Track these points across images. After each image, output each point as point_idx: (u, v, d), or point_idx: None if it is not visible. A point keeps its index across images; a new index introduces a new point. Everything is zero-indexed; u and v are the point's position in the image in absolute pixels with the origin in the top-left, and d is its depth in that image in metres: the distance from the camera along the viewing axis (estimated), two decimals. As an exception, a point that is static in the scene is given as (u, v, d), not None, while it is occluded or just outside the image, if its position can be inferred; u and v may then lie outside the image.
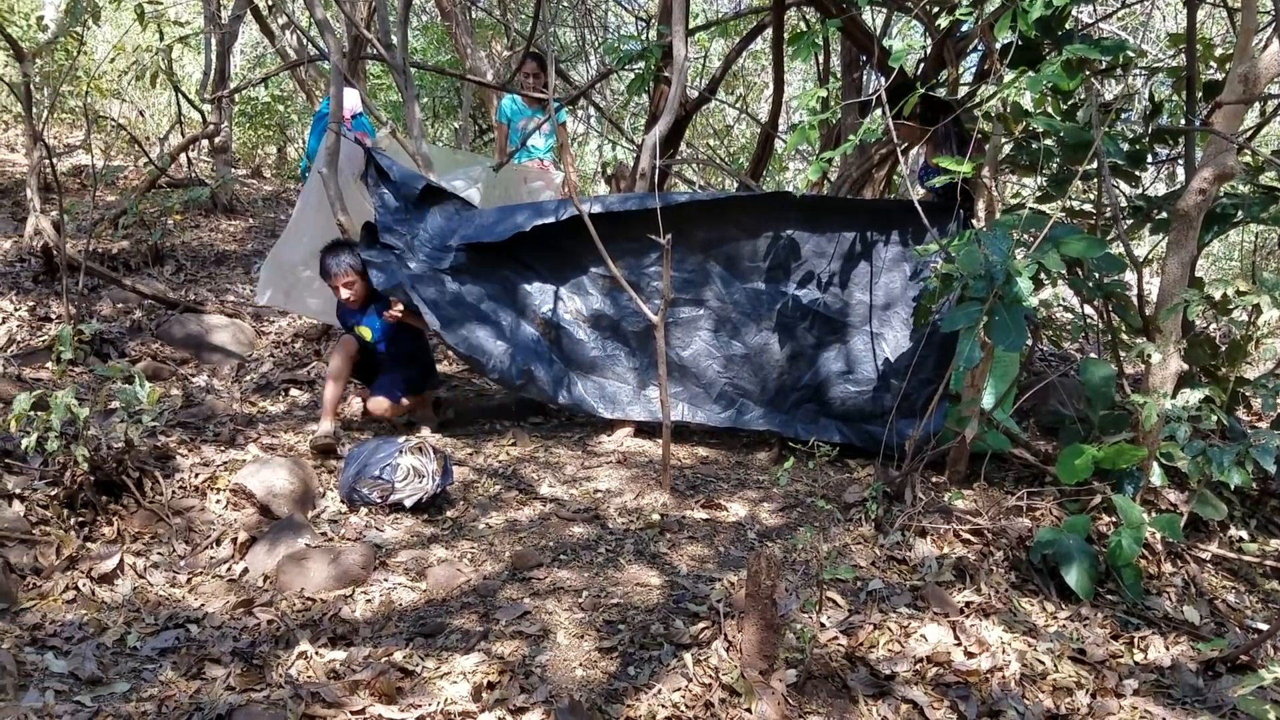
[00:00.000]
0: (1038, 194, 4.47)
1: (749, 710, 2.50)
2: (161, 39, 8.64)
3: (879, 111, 4.28)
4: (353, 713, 2.43)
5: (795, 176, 11.90)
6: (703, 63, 10.63)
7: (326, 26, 5.66)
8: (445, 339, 4.75)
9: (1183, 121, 4.51)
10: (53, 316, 5.92)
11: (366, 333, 4.85)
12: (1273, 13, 3.38)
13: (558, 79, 9.34)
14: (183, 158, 9.48)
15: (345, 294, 4.76)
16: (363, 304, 4.85)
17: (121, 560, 3.32)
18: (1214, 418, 3.36)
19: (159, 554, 3.48)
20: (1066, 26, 4.21)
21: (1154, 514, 3.52)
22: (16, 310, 5.90)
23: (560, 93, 9.14)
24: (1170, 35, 5.44)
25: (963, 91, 4.87)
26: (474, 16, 11.22)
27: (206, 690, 2.60)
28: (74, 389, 3.60)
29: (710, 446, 4.95)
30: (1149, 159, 4.51)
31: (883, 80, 4.37)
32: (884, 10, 5.80)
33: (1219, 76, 4.52)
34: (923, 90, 4.09)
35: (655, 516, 3.87)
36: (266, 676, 2.66)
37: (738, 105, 10.72)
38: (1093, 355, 5.18)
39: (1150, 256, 5.50)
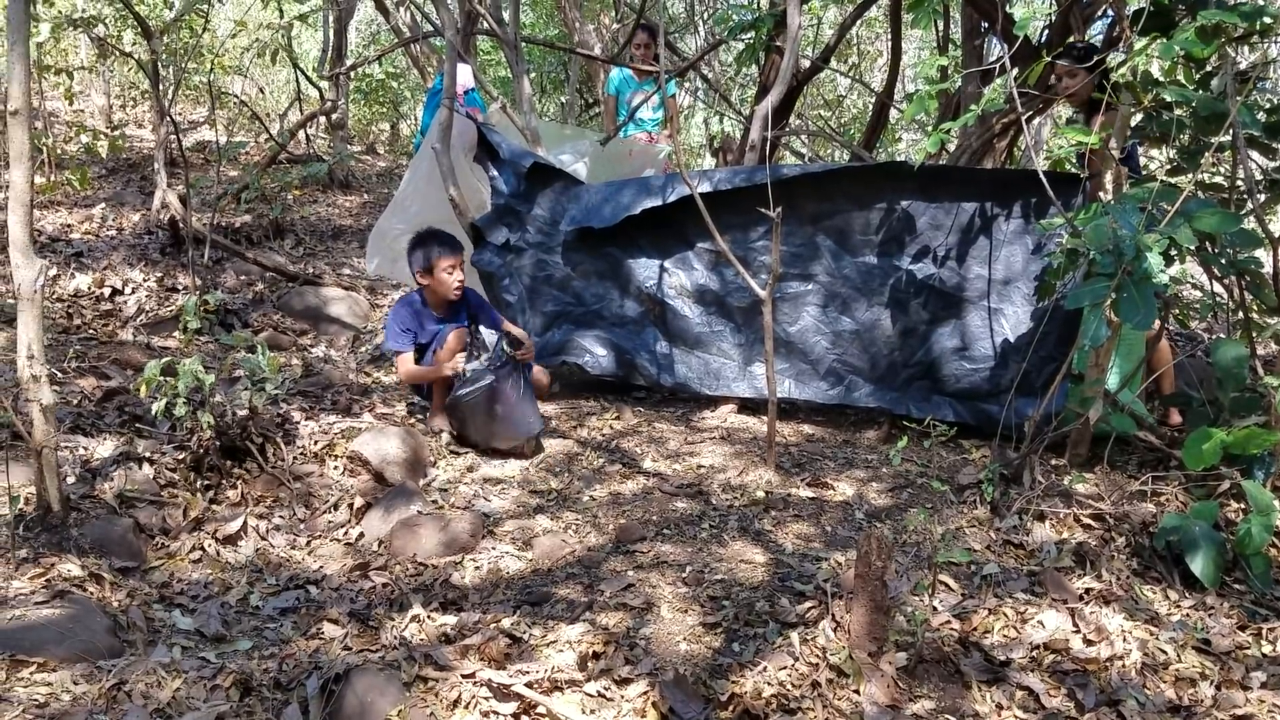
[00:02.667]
0: (1168, 166, 4.26)
1: (857, 691, 2.47)
2: (281, 16, 8.89)
3: (1000, 80, 4.13)
4: (463, 675, 2.48)
5: (909, 148, 11.61)
6: (814, 31, 10.43)
7: (441, 3, 5.73)
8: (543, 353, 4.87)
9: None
10: (179, 287, 6.18)
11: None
12: None
13: (666, 50, 9.30)
14: (301, 134, 9.76)
15: (457, 279, 4.43)
16: (452, 309, 4.59)
17: (245, 523, 3.45)
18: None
19: (280, 517, 3.61)
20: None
21: (1288, 502, 3.34)
22: (145, 281, 6.18)
23: (669, 65, 9.09)
24: (1318, -4, 5.09)
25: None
26: (583, -9, 11.25)
27: (325, 649, 2.70)
28: (200, 357, 3.76)
29: (816, 424, 4.89)
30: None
31: (1005, 47, 4.22)
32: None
33: (1372, 40, 4.22)
34: (1048, 59, 3.92)
35: (760, 494, 3.84)
36: (381, 637, 2.74)
37: (851, 75, 10.48)
38: (1223, 335, 4.94)
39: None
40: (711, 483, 3.98)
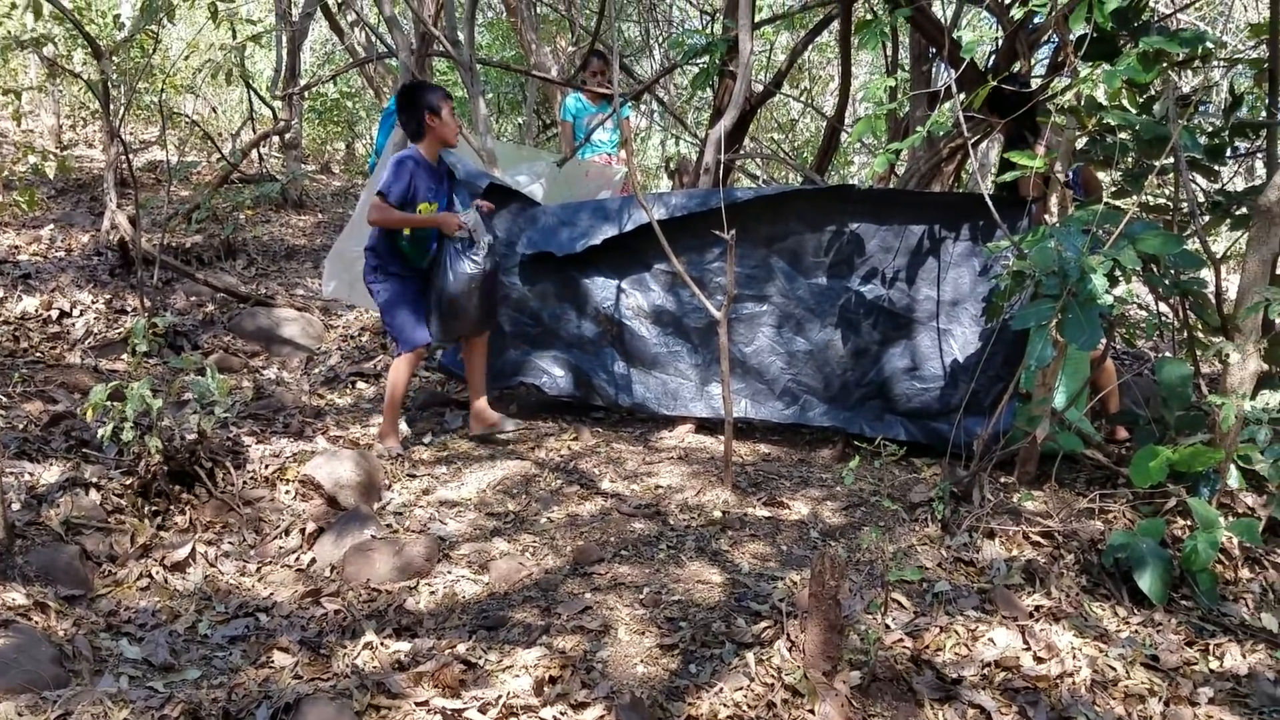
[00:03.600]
0: (1113, 189, 4.36)
1: (812, 711, 2.48)
2: (234, 37, 8.82)
3: (948, 104, 4.21)
4: (417, 703, 2.46)
5: (860, 170, 11.76)
6: (768, 56, 10.56)
7: (395, 24, 5.73)
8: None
9: (1264, 115, 4.36)
10: (128, 309, 6.09)
11: (430, 209, 4.52)
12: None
13: (622, 74, 9.35)
14: (254, 154, 9.67)
15: (451, 120, 4.50)
16: (435, 170, 4.60)
17: (194, 549, 3.40)
18: (1296, 420, 3.25)
19: (230, 543, 3.57)
20: (1143, 18, 4.10)
21: (1231, 518, 3.41)
22: (94, 303, 6.08)
23: (624, 88, 9.15)
24: (1251, 25, 5.27)
25: (1035, 85, 4.75)
26: (539, 12, 11.29)
27: (275, 678, 2.66)
28: (148, 381, 3.71)
29: (772, 443, 4.92)
30: (1228, 153, 4.37)
31: (952, 72, 4.30)
32: (954, 1, 5.69)
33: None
34: (994, 82, 4.00)
35: (717, 513, 3.85)
36: (333, 666, 2.71)
37: (803, 99, 10.62)
38: (1168, 354, 5.04)
39: (1229, 253, 5.33)
40: (669, 503, 3.99)
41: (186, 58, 9.58)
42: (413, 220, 4.44)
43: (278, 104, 9.87)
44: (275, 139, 10.13)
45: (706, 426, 5.02)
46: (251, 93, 9.86)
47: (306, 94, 10.65)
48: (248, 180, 9.24)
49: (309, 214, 9.17)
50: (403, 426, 4.66)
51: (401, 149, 5.13)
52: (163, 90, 8.18)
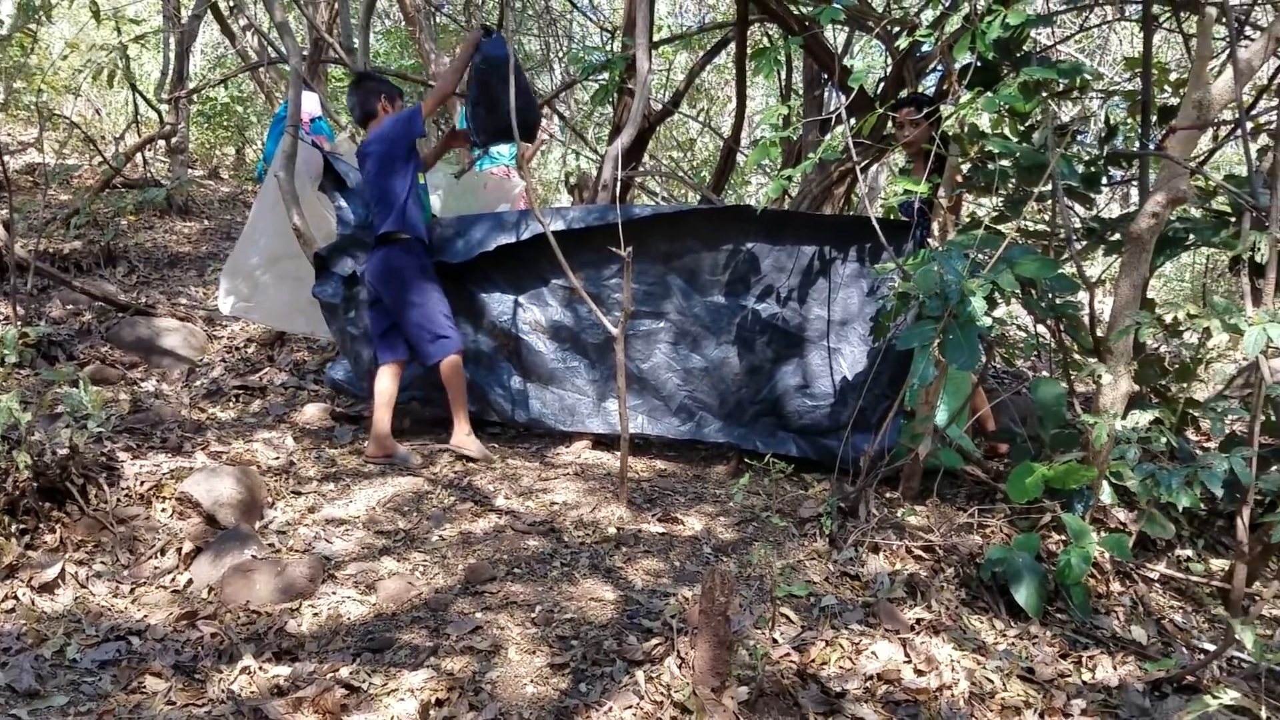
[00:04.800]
0: (994, 214, 4.51)
1: (699, 728, 2.49)
2: (120, 36, 8.50)
3: (839, 129, 4.31)
4: (296, 730, 2.39)
5: (758, 191, 11.95)
6: (667, 75, 10.66)
7: (286, 29, 5.60)
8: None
9: (1137, 145, 4.58)
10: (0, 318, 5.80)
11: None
12: (1227, 40, 3.45)
13: (522, 87, 9.31)
14: (138, 158, 9.34)
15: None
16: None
17: (63, 569, 3.24)
18: (1163, 439, 3.40)
19: (102, 563, 3.41)
20: (1025, 49, 4.27)
21: (1103, 533, 3.56)
22: (-39, 311, 5.77)
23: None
24: (1126, 59, 5.54)
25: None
26: (438, 21, 11.18)
27: (146, 705, 2.55)
28: (18, 393, 3.53)
29: (668, 459, 4.94)
30: (1104, 181, 4.57)
31: (843, 98, 4.41)
32: (846, 29, 5.84)
33: (1174, 101, 4.60)
34: (882, 110, 4.11)
35: (611, 530, 3.85)
36: (208, 691, 2.61)
37: (701, 119, 10.76)
38: (1045, 374, 5.24)
39: (1104, 277, 5.58)
40: (564, 520, 3.97)
41: (65, 57, 9.19)
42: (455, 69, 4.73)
43: (164, 107, 9.54)
44: (161, 143, 9.79)
45: (604, 442, 5.02)
46: (137, 95, 9.51)
47: (195, 98, 10.33)
48: (131, 185, 8.90)
49: (195, 220, 8.87)
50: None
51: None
52: (40, 90, 7.84)
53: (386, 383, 4.61)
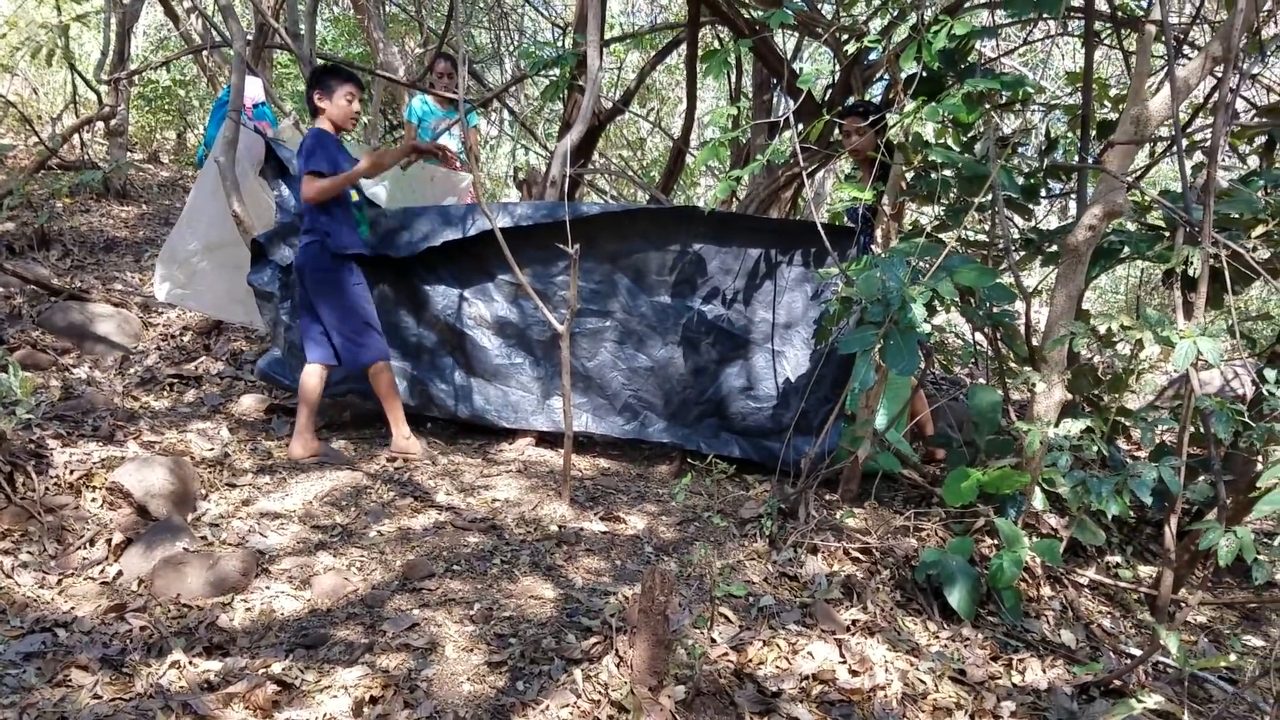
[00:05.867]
0: (935, 222, 4.58)
1: (635, 727, 2.49)
2: (59, 15, 8.28)
3: (787, 133, 4.35)
4: (226, 726, 2.34)
5: (707, 192, 12.01)
6: (618, 73, 10.66)
7: (230, 13, 5.51)
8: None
9: (1076, 159, 4.68)
10: (-77, 299, 5.61)
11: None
12: (1164, 58, 3.54)
13: (472, 80, 9.26)
14: (76, 139, 9.10)
15: (358, 110, 4.58)
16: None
17: (-14, 559, 3.15)
18: (1095, 447, 3.49)
19: (28, 553, 3.31)
20: (969, 60, 4.34)
21: (1035, 538, 3.63)
22: (-117, 292, 5.58)
23: (473, 94, 9.05)
24: (1069, 74, 5.66)
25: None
26: (388, 10, 11.05)
27: (71, 698, 2.48)
28: (-59, 378, 3.42)
29: (612, 458, 4.95)
30: (1043, 193, 4.66)
31: (791, 103, 4.44)
32: (796, 34, 5.89)
33: (1114, 116, 4.70)
34: (829, 116, 4.16)
35: (553, 528, 3.84)
36: (135, 685, 2.55)
37: (651, 119, 10.78)
38: (981, 381, 5.33)
39: (1040, 287, 5.70)
40: (505, 517, 3.95)
41: (3, 35, 8.93)
42: (355, 173, 4.42)
43: (104, 88, 9.31)
44: (100, 125, 9.55)
45: (547, 439, 5.00)
46: (76, 75, 9.27)
47: (136, 80, 10.09)
48: (67, 167, 8.68)
49: (133, 205, 8.67)
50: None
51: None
52: (-26, 66, 7.62)
53: (313, 382, 4.51)
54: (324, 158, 4.37)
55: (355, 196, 4.60)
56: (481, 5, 11.24)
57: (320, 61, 6.26)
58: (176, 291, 5.28)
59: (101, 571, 3.26)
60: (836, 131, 4.74)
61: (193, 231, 5.21)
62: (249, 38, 6.24)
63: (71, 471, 3.79)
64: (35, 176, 7.78)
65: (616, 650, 2.80)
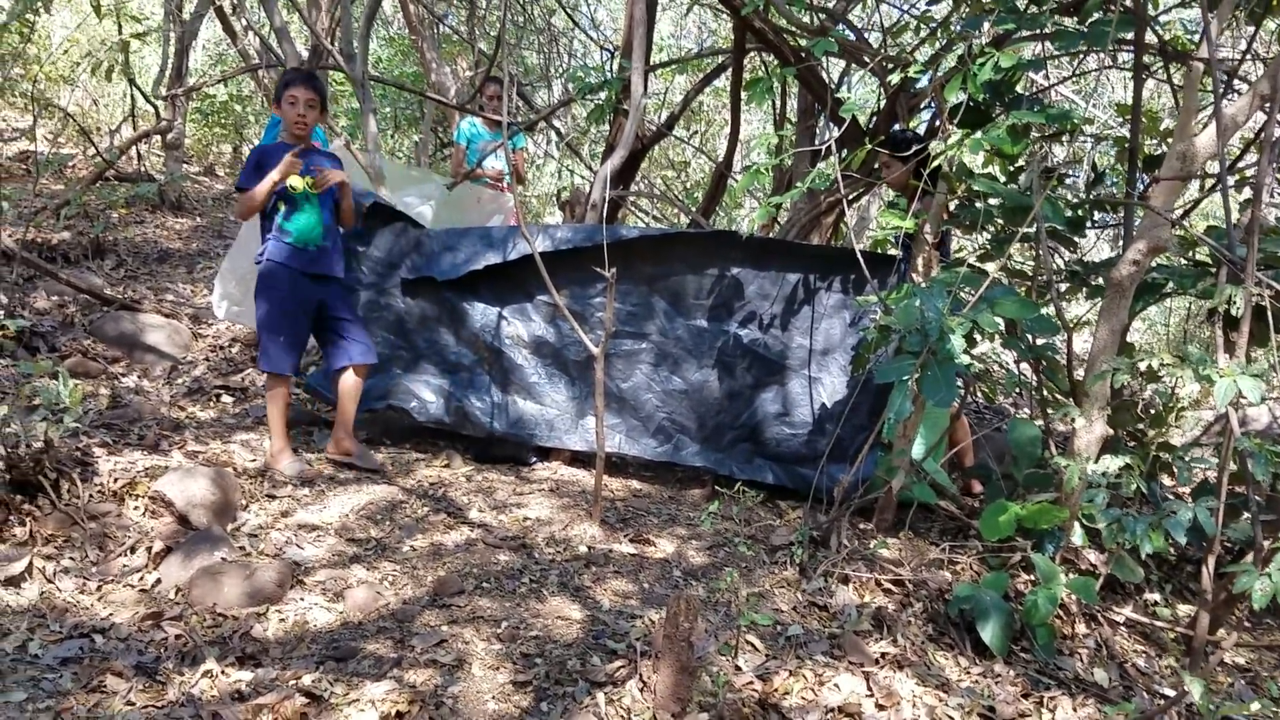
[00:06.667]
0: (979, 252, 4.55)
1: (657, 753, 2.49)
2: (120, 32, 8.51)
3: (830, 159, 4.35)
4: (253, 736, 2.38)
5: (751, 213, 12.01)
6: (664, 95, 10.74)
7: (285, 35, 5.63)
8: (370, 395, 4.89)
9: (1124, 192, 4.63)
10: (-18, 306, 5.77)
11: (300, 183, 4.36)
12: (1213, 93, 3.50)
13: (520, 102, 9.37)
14: (133, 152, 9.33)
15: (304, 114, 4.41)
16: (304, 150, 4.49)
17: (30, 563, 3.22)
18: (1134, 484, 3.43)
19: (70, 559, 3.39)
20: (1017, 90, 4.32)
21: (1072, 574, 3.58)
22: (-56, 298, 5.75)
23: (521, 116, 9.16)
24: (1118, 105, 5.61)
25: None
26: (441, 31, 11.23)
27: (105, 704, 2.54)
28: (-6, 384, 3.52)
29: (644, 480, 4.95)
30: (1089, 225, 4.62)
31: (834, 129, 4.44)
32: (842, 61, 5.90)
33: (1162, 150, 4.65)
34: (871, 145, 4.15)
35: (582, 548, 3.85)
36: (168, 693, 2.60)
37: (695, 143, 10.83)
38: (1024, 413, 5.27)
39: (1085, 319, 5.63)
40: (536, 536, 3.97)
41: (66, 51, 9.20)
42: (262, 188, 4.33)
43: (161, 103, 9.55)
44: (157, 138, 9.80)
45: (580, 459, 5.02)
46: (135, 89, 9.53)
47: (193, 95, 10.34)
48: (124, 179, 8.90)
49: (187, 217, 8.87)
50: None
51: None
52: (36, 79, 7.84)
53: (281, 394, 4.49)
54: (245, 173, 4.41)
55: (300, 189, 4.37)
56: (532, 28, 11.37)
57: (372, 82, 6.38)
58: (234, 309, 5.41)
59: (141, 579, 3.33)
60: (875, 162, 4.74)
61: (248, 249, 5.33)
62: (304, 59, 6.37)
63: (116, 480, 3.87)
64: (92, 187, 7.98)
65: (640, 675, 2.80)
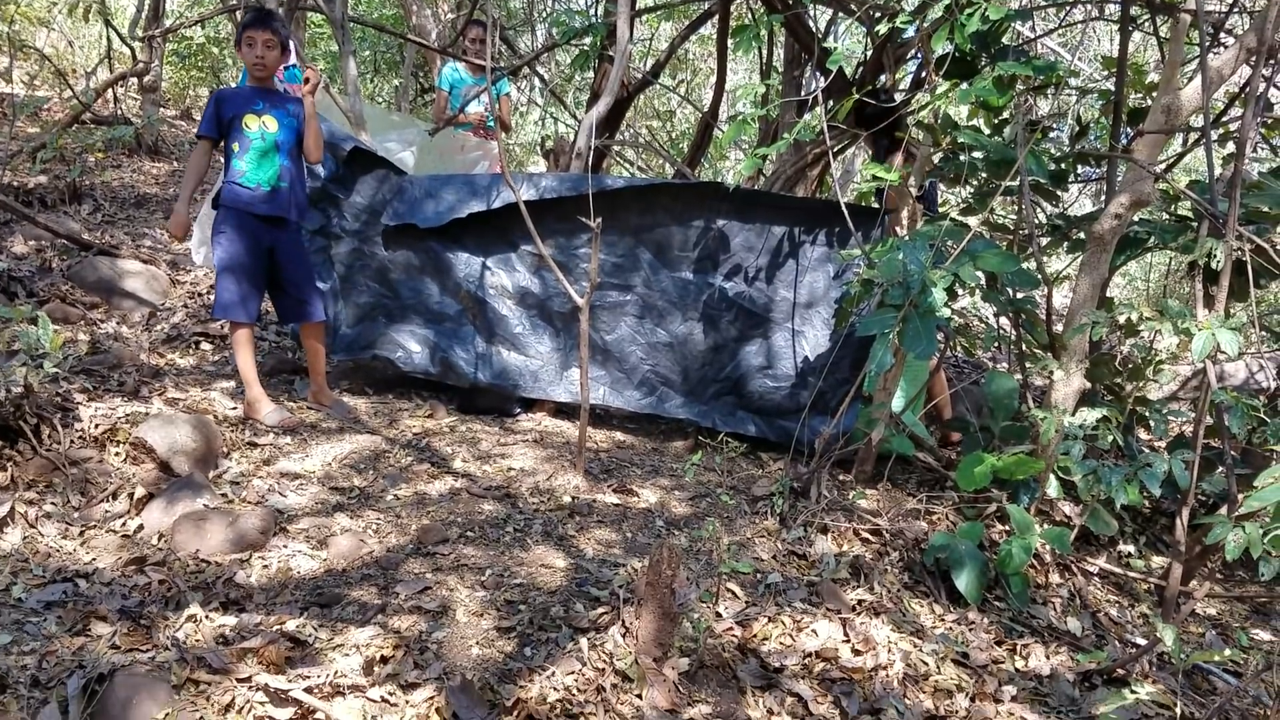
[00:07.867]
0: (962, 205, 4.55)
1: (639, 696, 2.54)
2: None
3: (816, 110, 4.32)
4: (238, 680, 2.40)
5: (734, 167, 11.95)
6: (650, 42, 10.60)
7: (265, -26, 5.51)
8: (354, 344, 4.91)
9: (1108, 145, 4.63)
10: (-43, 250, 5.70)
11: (271, 123, 4.37)
12: (1199, 46, 3.50)
13: (503, 46, 9.24)
14: (109, 94, 9.17)
15: (262, 55, 4.32)
16: (266, 91, 4.43)
17: (12, 508, 3.22)
18: (1110, 437, 3.48)
19: (52, 504, 3.39)
20: (1004, 42, 4.29)
21: (1047, 525, 3.64)
22: (-82, 241, 5.67)
23: (505, 61, 9.04)
24: (1104, 58, 5.58)
25: (899, 99, 4.93)
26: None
27: (90, 647, 2.55)
28: (-28, 330, 3.49)
29: (628, 432, 4.98)
30: (1072, 178, 4.62)
31: (821, 80, 4.41)
32: (829, 10, 5.84)
33: (1147, 103, 4.64)
34: (859, 95, 4.13)
35: (566, 499, 3.88)
36: (153, 637, 2.62)
37: (680, 92, 10.72)
38: (1002, 366, 5.31)
39: (1065, 273, 5.65)
40: (520, 486, 4.00)
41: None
42: (181, 201, 4.38)
43: (138, 45, 9.37)
44: (134, 81, 9.63)
45: (564, 410, 5.04)
46: (111, 31, 9.33)
47: (170, 37, 10.15)
48: (101, 122, 8.76)
49: (164, 161, 8.75)
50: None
51: None
52: (13, 20, 7.68)
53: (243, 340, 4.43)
54: (205, 121, 4.38)
55: (257, 133, 4.35)
56: (516, -29, 11.19)
57: (351, 24, 6.28)
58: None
59: (123, 525, 3.34)
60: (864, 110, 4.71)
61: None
62: (282, -1, 6.26)
63: (97, 426, 3.86)
64: (68, 131, 7.85)
65: (623, 621, 2.84)
